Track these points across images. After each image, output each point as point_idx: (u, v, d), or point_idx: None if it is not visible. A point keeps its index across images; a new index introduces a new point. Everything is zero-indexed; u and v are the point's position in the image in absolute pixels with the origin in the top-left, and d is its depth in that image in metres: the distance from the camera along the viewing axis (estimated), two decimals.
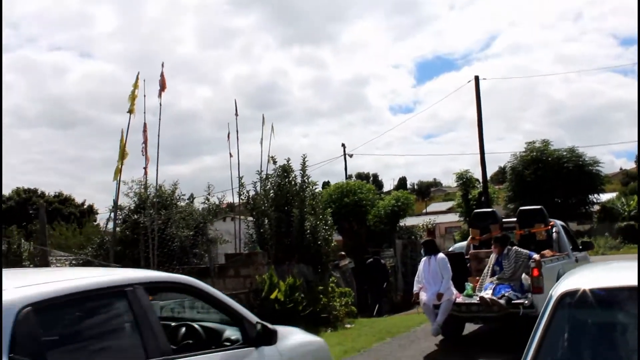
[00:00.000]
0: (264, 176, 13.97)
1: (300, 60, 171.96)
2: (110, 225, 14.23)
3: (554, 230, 10.90)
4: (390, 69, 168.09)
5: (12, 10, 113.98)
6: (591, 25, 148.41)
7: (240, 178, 14.31)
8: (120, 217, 13.25)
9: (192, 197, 14.95)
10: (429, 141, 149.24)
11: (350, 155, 37.88)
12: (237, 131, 14.59)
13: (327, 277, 13.79)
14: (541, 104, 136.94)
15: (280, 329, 4.69)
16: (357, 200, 22.31)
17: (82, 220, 31.61)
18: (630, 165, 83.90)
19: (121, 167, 10.84)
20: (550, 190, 32.29)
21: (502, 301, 8.84)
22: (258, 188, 13.82)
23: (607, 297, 3.09)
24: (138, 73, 11.60)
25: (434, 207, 68.70)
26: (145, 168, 11.65)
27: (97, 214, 41.01)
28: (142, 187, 13.42)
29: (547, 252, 10.04)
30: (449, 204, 61.51)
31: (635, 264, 3.26)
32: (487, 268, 9.83)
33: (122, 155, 10.86)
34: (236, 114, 14.64)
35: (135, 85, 11.20)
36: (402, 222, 22.28)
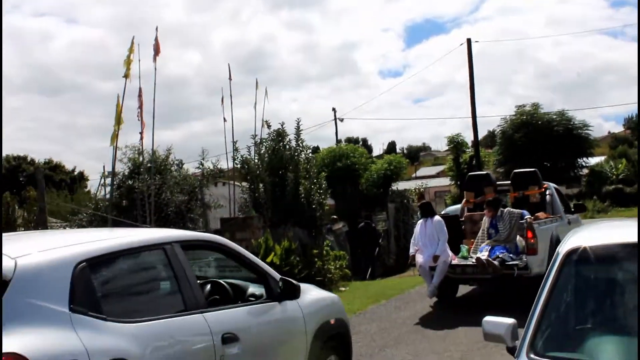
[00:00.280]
0: (258, 140, 13.95)
1: (290, 25, 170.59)
2: (104, 191, 14.24)
3: (547, 192, 10.97)
4: (379, 33, 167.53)
5: None
6: None
7: (234, 143, 14.32)
8: (115, 183, 13.21)
9: (181, 163, 14.88)
10: (418, 105, 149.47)
11: (341, 120, 37.93)
12: (230, 96, 14.52)
13: (321, 241, 13.89)
14: (532, 68, 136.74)
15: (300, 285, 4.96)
16: (350, 164, 22.31)
17: (73, 186, 31.49)
18: (619, 128, 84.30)
19: (118, 132, 10.78)
20: (540, 153, 32.39)
21: (496, 262, 8.97)
22: (252, 152, 13.81)
23: (612, 253, 3.16)
24: (133, 37, 11.48)
25: (423, 171, 68.90)
26: (141, 133, 11.59)
27: (88, 180, 40.95)
28: (137, 152, 13.35)
29: (541, 214, 10.11)
30: (439, 168, 61.74)
31: (634, 222, 3.34)
32: (481, 231, 9.93)
33: (119, 120, 10.79)
34: (230, 78, 14.55)
35: (131, 50, 11.08)
36: (394, 186, 22.35)
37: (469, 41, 27.27)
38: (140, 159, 13.28)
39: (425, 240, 9.61)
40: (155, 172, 13.14)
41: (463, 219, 10.93)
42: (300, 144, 13.85)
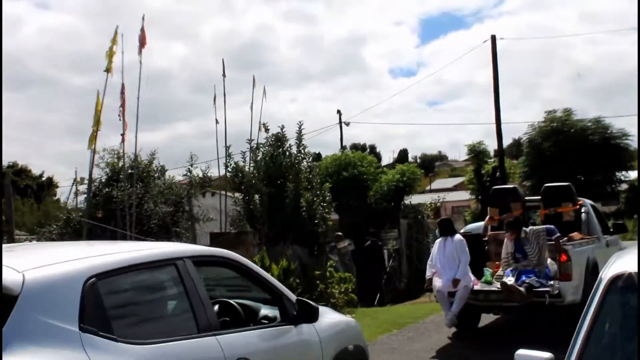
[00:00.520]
0: (255, 146, 13.96)
1: (289, 15, 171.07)
2: (76, 200, 14.25)
3: (582, 210, 10.93)
4: (391, 27, 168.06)
5: None
6: None
7: (227, 147, 14.31)
8: (91, 191, 13.25)
9: (163, 170, 14.89)
10: (433, 109, 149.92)
11: (347, 124, 37.98)
12: (224, 94, 14.54)
13: (324, 261, 13.87)
14: (563, 69, 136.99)
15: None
16: (357, 174, 22.38)
17: (41, 194, 31.52)
18: None
19: (96, 133, 10.83)
20: (572, 165, 32.42)
21: (521, 288, 8.91)
22: (247, 159, 13.82)
23: None
24: (117, 27, 11.51)
25: (439, 183, 68.96)
26: (122, 135, 11.63)
27: (58, 187, 40.98)
28: (116, 156, 13.38)
29: (575, 234, 10.05)
30: (457, 180, 61.83)
31: None
32: (505, 254, 9.82)
33: (98, 120, 10.84)
34: (223, 75, 14.59)
35: (114, 41, 11.15)
36: (406, 200, 22.37)
37: (493, 38, 27.27)
38: (120, 164, 13.31)
39: (444, 261, 9.56)
40: (137, 179, 13.16)
41: (486, 238, 10.88)
42: (302, 151, 13.86)
